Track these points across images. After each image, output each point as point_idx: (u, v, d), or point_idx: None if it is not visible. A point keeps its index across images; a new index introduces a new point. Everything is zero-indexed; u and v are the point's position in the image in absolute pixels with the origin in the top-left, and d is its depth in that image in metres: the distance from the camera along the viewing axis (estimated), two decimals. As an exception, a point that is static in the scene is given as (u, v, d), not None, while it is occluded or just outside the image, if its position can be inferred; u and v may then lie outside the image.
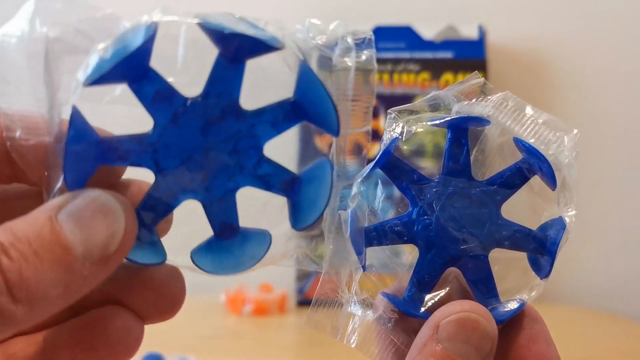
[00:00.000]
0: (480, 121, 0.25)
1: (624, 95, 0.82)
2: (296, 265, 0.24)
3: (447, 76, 0.78)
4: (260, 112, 0.22)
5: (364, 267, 0.26)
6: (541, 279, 0.25)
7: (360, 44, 0.23)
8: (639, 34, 0.82)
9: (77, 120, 0.20)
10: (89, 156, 0.20)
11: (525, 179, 0.24)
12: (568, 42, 0.83)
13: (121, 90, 0.21)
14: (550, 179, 0.24)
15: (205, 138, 0.21)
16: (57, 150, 0.20)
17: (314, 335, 0.70)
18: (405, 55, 0.78)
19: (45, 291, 0.18)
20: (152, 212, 0.22)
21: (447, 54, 0.78)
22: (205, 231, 0.23)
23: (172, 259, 0.23)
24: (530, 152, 0.24)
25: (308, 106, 0.22)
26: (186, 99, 0.21)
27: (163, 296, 0.23)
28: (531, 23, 0.83)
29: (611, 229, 0.82)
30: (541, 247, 0.25)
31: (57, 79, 0.20)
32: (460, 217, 0.24)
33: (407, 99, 0.78)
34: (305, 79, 0.22)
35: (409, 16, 0.82)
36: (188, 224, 0.23)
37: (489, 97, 0.25)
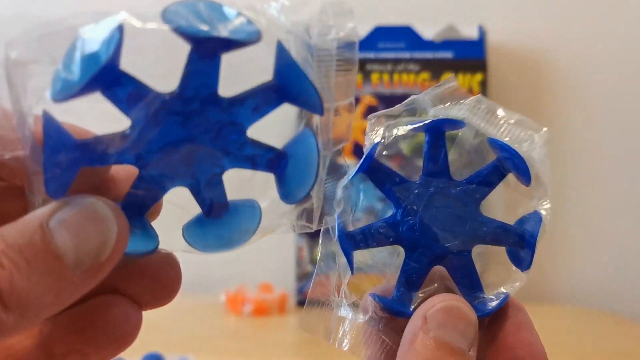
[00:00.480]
0: (456, 123, 0.26)
1: (624, 96, 0.82)
2: (293, 231, 0.24)
3: (447, 76, 0.77)
4: (240, 99, 0.22)
5: (352, 270, 0.26)
6: (522, 271, 0.26)
7: (341, 16, 0.23)
8: (639, 34, 0.82)
9: (50, 127, 0.19)
10: (68, 162, 0.20)
11: (501, 177, 0.25)
12: (568, 42, 0.83)
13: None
14: (525, 175, 0.25)
15: (186, 130, 0.21)
16: (34, 159, 0.20)
17: (314, 335, 0.70)
18: (405, 55, 0.78)
19: (37, 299, 0.18)
20: (140, 203, 0.22)
21: (447, 54, 0.78)
22: (194, 207, 0.23)
23: (164, 243, 0.23)
24: (505, 150, 0.25)
25: (289, 88, 0.22)
26: (162, 95, 0.21)
27: (159, 282, 0.23)
28: (531, 23, 0.83)
29: (611, 229, 0.82)
30: (521, 241, 0.25)
31: (22, 90, 0.20)
32: (443, 217, 0.24)
33: (407, 99, 0.78)
34: (283, 60, 0.22)
35: (409, 16, 0.82)
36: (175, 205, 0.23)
37: (462, 101, 0.25)
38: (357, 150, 0.79)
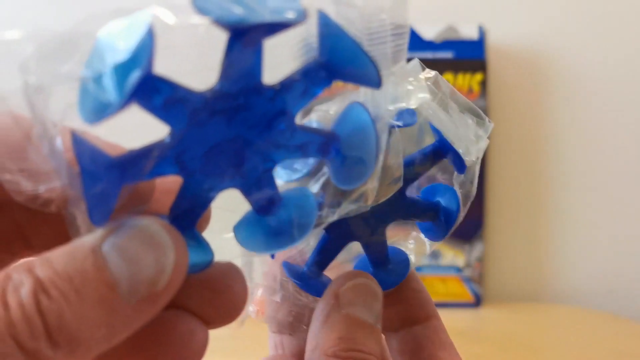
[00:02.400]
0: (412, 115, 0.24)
1: (624, 96, 0.82)
2: (348, 215, 0.22)
3: (447, 76, 0.78)
4: (287, 85, 0.19)
5: (272, 255, 0.25)
6: (434, 240, 0.26)
7: None
8: None
9: (82, 149, 0.17)
10: (108, 184, 0.18)
11: (436, 160, 0.25)
12: (568, 42, 0.83)
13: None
14: (458, 165, 0.25)
15: (231, 128, 0.19)
16: (72, 186, 0.17)
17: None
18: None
19: (87, 334, 0.16)
20: (188, 214, 0.20)
21: (447, 54, 0.78)
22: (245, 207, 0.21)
23: (219, 253, 0.21)
24: (442, 139, 0.24)
25: (339, 64, 0.20)
26: (202, 94, 0.18)
27: (222, 295, 0.21)
28: (531, 23, 0.83)
29: (611, 229, 0.82)
30: (436, 214, 0.25)
31: (46, 114, 0.17)
32: None
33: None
34: (329, 33, 0.19)
35: (409, 16, 0.81)
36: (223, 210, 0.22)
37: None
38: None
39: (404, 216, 0.24)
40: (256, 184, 0.20)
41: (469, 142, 0.24)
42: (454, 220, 0.25)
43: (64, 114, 0.17)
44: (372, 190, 0.21)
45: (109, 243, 0.17)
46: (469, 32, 0.78)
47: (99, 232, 0.17)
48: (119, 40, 0.17)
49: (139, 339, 0.20)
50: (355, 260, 0.26)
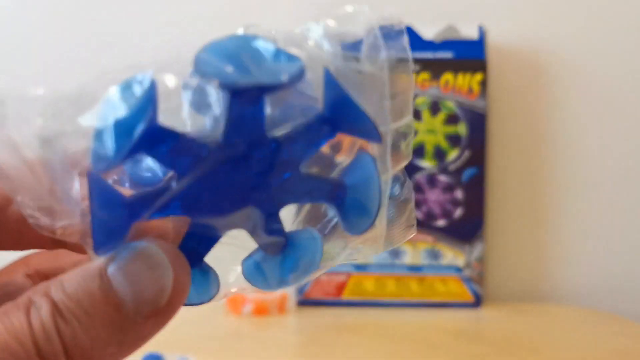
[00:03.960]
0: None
1: (624, 95, 0.82)
2: (356, 259, 0.23)
3: (447, 76, 0.78)
4: (291, 138, 0.20)
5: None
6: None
7: (390, 35, 0.21)
8: None
9: (96, 188, 0.19)
10: (117, 222, 0.19)
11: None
12: (569, 42, 0.83)
13: None
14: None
15: (235, 177, 0.20)
16: (84, 223, 0.19)
17: (314, 335, 0.70)
18: (405, 55, 0.78)
19: (99, 352, 0.18)
20: (197, 249, 0.21)
21: (447, 54, 0.78)
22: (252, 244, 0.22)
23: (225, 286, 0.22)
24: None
25: (341, 119, 0.21)
26: (206, 144, 0.19)
27: None
28: (532, 23, 0.83)
29: (611, 229, 0.82)
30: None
31: (60, 159, 0.19)
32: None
33: (407, 99, 0.78)
34: (332, 90, 0.20)
35: (409, 16, 0.81)
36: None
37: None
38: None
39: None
40: (263, 228, 0.21)
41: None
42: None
43: (78, 160, 0.19)
44: (379, 235, 0.22)
45: (113, 266, 0.18)
46: (469, 32, 0.78)
47: (106, 257, 0.19)
48: (123, 98, 0.18)
49: None
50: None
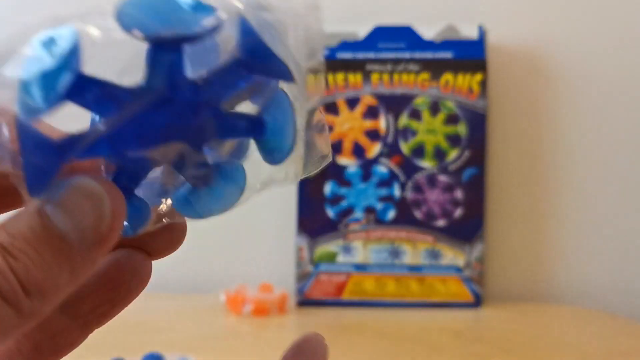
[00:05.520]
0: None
1: (624, 95, 0.82)
2: (285, 183, 0.24)
3: (447, 76, 0.78)
4: (210, 81, 0.21)
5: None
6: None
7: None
8: None
9: (25, 133, 0.20)
10: (48, 164, 0.20)
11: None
12: (569, 42, 0.83)
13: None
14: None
15: (160, 117, 0.21)
16: (15, 167, 0.20)
17: (314, 335, 0.70)
18: (405, 55, 0.78)
19: (53, 281, 0.19)
20: (127, 185, 0.22)
21: (447, 54, 0.78)
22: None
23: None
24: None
25: (255, 62, 0.22)
26: (130, 90, 0.21)
27: (163, 231, 0.25)
28: (531, 23, 0.83)
29: (612, 229, 0.82)
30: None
31: None
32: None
33: (407, 99, 0.78)
34: (247, 36, 0.22)
35: (409, 16, 0.82)
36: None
37: None
38: (357, 150, 0.79)
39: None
40: (189, 163, 0.22)
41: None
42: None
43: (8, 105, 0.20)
44: (298, 160, 0.24)
45: (49, 203, 0.20)
46: (469, 32, 0.78)
47: (41, 197, 0.20)
48: (47, 49, 0.20)
49: (100, 278, 0.24)
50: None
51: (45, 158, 0.20)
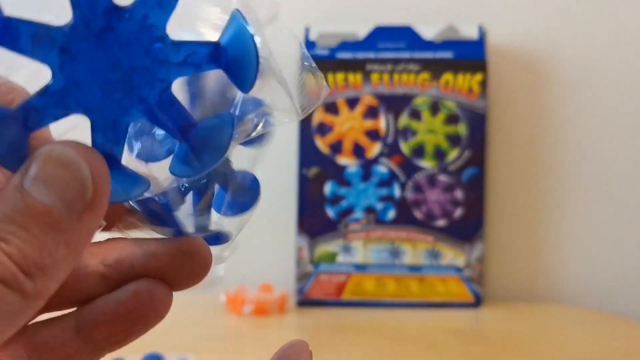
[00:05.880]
0: None
1: (624, 95, 0.82)
2: (275, 124, 0.23)
3: (447, 76, 0.78)
4: (180, 44, 0.20)
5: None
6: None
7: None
8: None
9: None
10: (13, 135, 0.19)
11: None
12: (569, 42, 0.83)
13: None
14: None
15: (104, 55, 0.20)
16: None
17: (315, 336, 0.70)
18: (405, 55, 0.78)
19: (51, 258, 0.19)
20: (108, 151, 0.21)
21: (447, 54, 0.78)
22: None
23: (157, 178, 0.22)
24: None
25: (231, 57, 0.21)
26: (62, 27, 0.19)
27: (186, 263, 0.24)
28: (532, 23, 0.83)
29: (611, 229, 0.82)
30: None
31: None
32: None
33: (407, 99, 0.78)
34: (236, 28, 0.21)
35: (409, 16, 0.82)
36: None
37: None
38: (357, 150, 0.79)
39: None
40: (160, 108, 0.21)
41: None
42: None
43: None
44: (287, 94, 0.22)
45: (28, 178, 0.19)
46: (469, 32, 0.78)
47: (18, 174, 0.19)
48: None
49: (117, 307, 0.23)
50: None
51: (10, 130, 0.19)
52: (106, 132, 0.20)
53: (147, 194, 0.22)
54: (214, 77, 0.23)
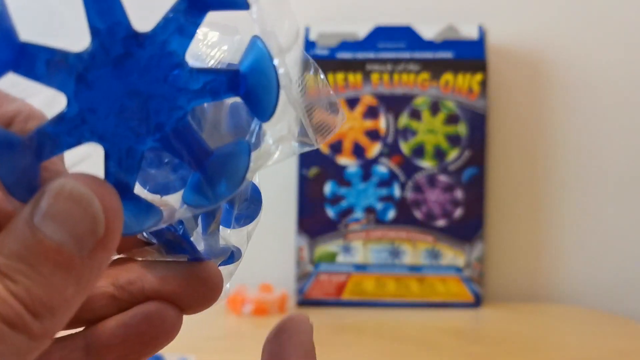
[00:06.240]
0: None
1: (624, 96, 0.82)
2: (294, 153, 0.22)
3: (447, 76, 0.78)
4: (161, 26, 0.19)
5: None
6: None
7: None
8: None
9: None
10: (25, 164, 0.19)
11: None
12: (569, 42, 0.83)
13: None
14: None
15: (121, 82, 0.19)
16: None
17: (315, 336, 0.70)
18: (405, 55, 0.78)
19: (60, 297, 0.18)
20: (121, 180, 0.20)
21: (447, 54, 0.78)
22: None
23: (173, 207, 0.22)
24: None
25: (251, 85, 0.20)
26: (79, 54, 0.19)
27: (198, 289, 0.24)
28: (532, 23, 0.83)
29: (611, 229, 0.82)
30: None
31: None
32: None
33: (407, 99, 0.78)
34: (257, 55, 0.20)
35: (409, 16, 0.82)
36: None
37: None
38: (357, 150, 0.79)
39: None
40: (176, 136, 0.20)
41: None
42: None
43: None
44: (306, 125, 0.22)
45: (37, 214, 0.18)
46: (469, 32, 0.78)
47: (28, 207, 0.18)
48: None
49: (129, 329, 0.23)
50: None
51: (21, 158, 0.19)
52: (120, 161, 0.20)
53: (161, 225, 0.22)
54: (232, 106, 0.23)
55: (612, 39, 0.82)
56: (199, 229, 0.24)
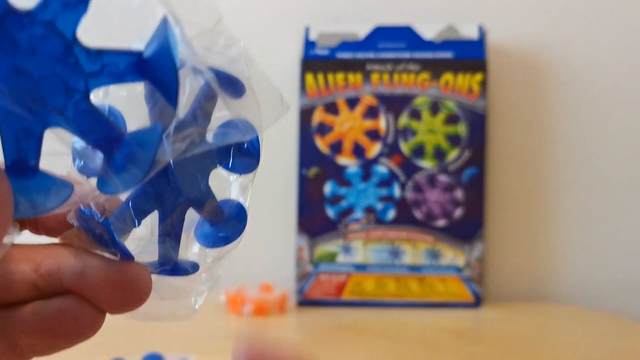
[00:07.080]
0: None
1: (624, 95, 0.82)
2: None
3: (447, 76, 0.78)
4: (41, 2, 0.18)
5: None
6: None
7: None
8: None
9: None
10: None
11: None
12: (569, 42, 0.83)
13: None
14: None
15: (6, 60, 0.18)
16: None
17: (315, 336, 0.70)
18: (405, 55, 0.78)
19: None
20: (22, 158, 0.20)
21: (447, 54, 0.78)
22: None
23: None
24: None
25: (154, 69, 0.20)
26: None
27: (123, 290, 0.23)
28: (532, 23, 0.83)
29: (611, 229, 0.82)
30: (238, 146, 0.22)
31: None
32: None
33: (407, 99, 0.78)
34: (161, 39, 0.19)
35: (409, 16, 0.82)
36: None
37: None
38: (357, 150, 0.79)
39: (217, 162, 0.22)
40: (76, 119, 0.19)
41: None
42: (257, 144, 0.22)
43: None
44: (253, 108, 0.21)
45: None
46: (469, 32, 0.78)
47: None
48: None
49: (43, 320, 0.22)
50: (193, 225, 0.24)
51: None
52: (18, 141, 0.19)
53: (80, 205, 0.21)
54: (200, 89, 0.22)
55: (612, 39, 0.82)
56: (149, 234, 0.23)
